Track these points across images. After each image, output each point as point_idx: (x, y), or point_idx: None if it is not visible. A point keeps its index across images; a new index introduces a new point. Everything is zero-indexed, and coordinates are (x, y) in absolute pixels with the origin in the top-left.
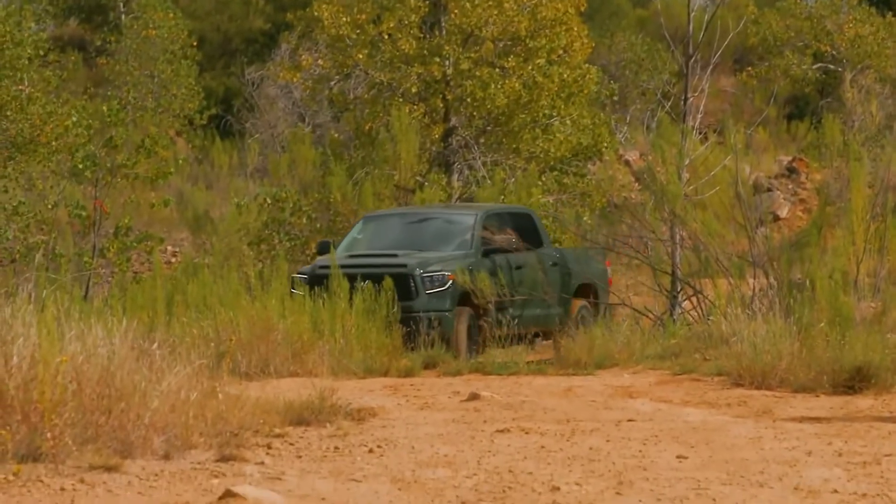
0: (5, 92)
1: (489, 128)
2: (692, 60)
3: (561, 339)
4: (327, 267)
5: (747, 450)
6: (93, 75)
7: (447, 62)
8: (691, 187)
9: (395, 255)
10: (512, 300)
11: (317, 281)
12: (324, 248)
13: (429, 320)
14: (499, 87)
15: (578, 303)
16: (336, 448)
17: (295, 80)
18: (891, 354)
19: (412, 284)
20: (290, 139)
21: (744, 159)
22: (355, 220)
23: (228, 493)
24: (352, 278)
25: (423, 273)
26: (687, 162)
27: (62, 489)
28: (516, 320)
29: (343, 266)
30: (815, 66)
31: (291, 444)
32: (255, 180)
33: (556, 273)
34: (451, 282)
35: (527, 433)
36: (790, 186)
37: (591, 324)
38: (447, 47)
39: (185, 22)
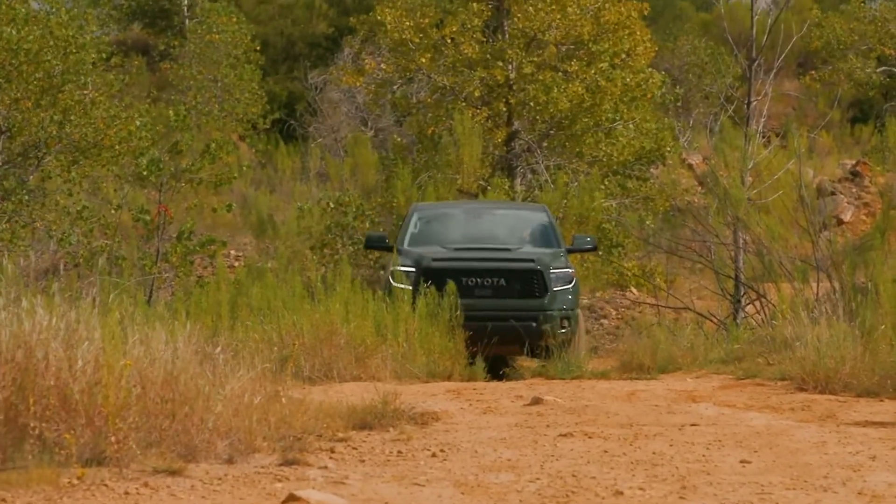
0: (69, 96)
1: (552, 132)
2: (755, 64)
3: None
4: (443, 260)
5: (811, 454)
6: (156, 80)
7: (510, 66)
8: (754, 191)
9: (508, 250)
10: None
11: (433, 275)
12: (378, 242)
13: (559, 320)
14: (562, 91)
15: None
16: (399, 452)
17: (358, 84)
18: None
19: (541, 281)
20: (351, 143)
21: (807, 163)
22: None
23: (292, 498)
24: (472, 273)
25: (551, 269)
26: (750, 166)
27: (126, 493)
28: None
29: (459, 259)
30: (879, 70)
31: (355, 449)
32: (318, 184)
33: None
34: (575, 279)
35: (590, 437)
36: (854, 190)
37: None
38: (510, 51)
39: (249, 26)
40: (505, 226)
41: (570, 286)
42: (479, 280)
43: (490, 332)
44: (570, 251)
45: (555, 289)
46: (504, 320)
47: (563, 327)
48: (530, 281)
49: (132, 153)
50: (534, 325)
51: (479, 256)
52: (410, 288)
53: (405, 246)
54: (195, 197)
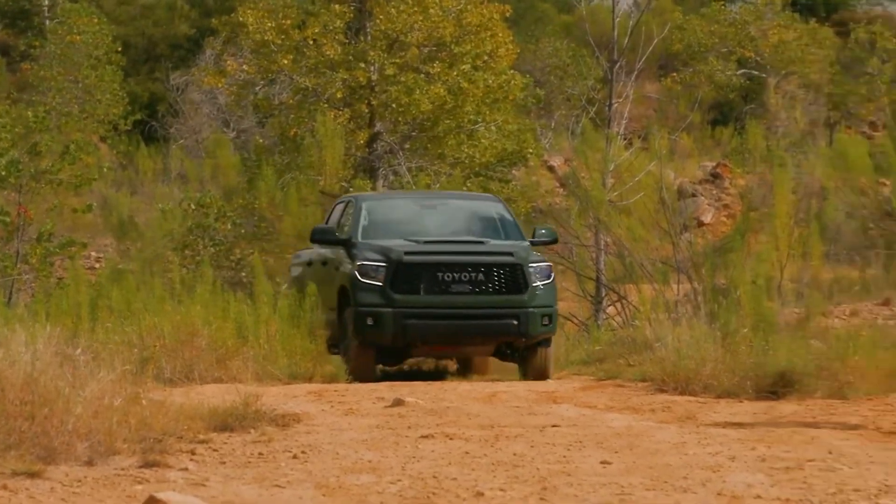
0: None
1: (414, 133)
2: (617, 66)
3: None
4: (417, 254)
5: (671, 455)
6: (16, 80)
7: (372, 68)
8: (616, 193)
9: (482, 243)
10: None
11: (407, 269)
12: (325, 235)
13: (541, 316)
14: (424, 92)
15: None
16: (260, 454)
17: (220, 85)
18: (814, 360)
19: (522, 275)
20: (212, 144)
21: (668, 165)
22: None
23: (152, 500)
24: (449, 267)
25: (530, 263)
26: (611, 167)
27: None
28: None
29: (434, 253)
30: (739, 72)
31: (215, 450)
32: (180, 186)
33: None
34: (553, 274)
35: (451, 439)
36: (714, 192)
37: None
38: (372, 53)
39: (110, 27)
40: (464, 218)
41: (549, 281)
42: (455, 275)
43: (465, 331)
44: (533, 244)
45: (534, 283)
46: (483, 318)
47: (545, 325)
48: (510, 276)
49: None
50: (515, 323)
51: (454, 250)
52: (381, 284)
53: (359, 239)
54: (55, 198)
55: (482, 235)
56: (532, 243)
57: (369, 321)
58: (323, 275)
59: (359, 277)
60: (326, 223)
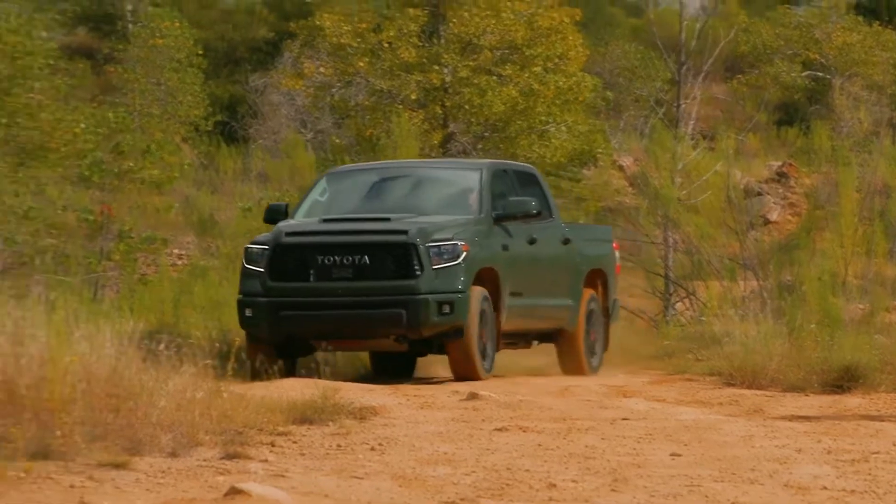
0: (16, 100)
1: (487, 134)
2: (684, 68)
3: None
4: (299, 234)
5: (739, 447)
6: (101, 83)
7: (446, 70)
8: (684, 192)
9: (387, 220)
10: (527, 287)
11: (284, 253)
12: (276, 214)
13: (437, 305)
14: (496, 94)
15: (588, 293)
16: (339, 446)
17: (298, 87)
18: (878, 354)
19: (414, 257)
20: (288, 145)
21: (735, 164)
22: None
23: (234, 490)
24: (329, 249)
25: (430, 242)
26: (680, 167)
27: (72, 486)
28: (526, 313)
29: (317, 233)
30: (804, 74)
31: (295, 442)
32: (259, 185)
33: (568, 254)
34: (465, 253)
35: (524, 431)
36: (780, 191)
37: (599, 322)
38: (446, 55)
39: (192, 31)
40: (420, 190)
41: (455, 263)
42: (337, 259)
43: (346, 324)
44: (500, 218)
45: (434, 266)
46: (365, 308)
47: (444, 313)
48: (400, 257)
49: (77, 155)
50: (403, 313)
51: (340, 229)
52: (263, 270)
53: (295, 217)
54: (138, 197)
55: (414, 210)
56: (497, 218)
57: (248, 312)
58: None
59: (244, 263)
60: None
